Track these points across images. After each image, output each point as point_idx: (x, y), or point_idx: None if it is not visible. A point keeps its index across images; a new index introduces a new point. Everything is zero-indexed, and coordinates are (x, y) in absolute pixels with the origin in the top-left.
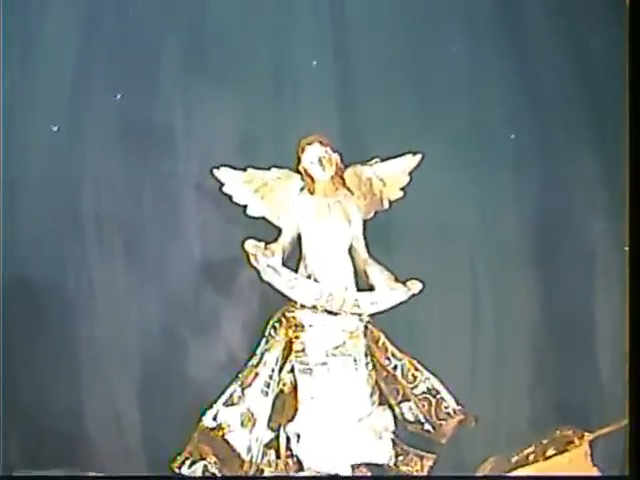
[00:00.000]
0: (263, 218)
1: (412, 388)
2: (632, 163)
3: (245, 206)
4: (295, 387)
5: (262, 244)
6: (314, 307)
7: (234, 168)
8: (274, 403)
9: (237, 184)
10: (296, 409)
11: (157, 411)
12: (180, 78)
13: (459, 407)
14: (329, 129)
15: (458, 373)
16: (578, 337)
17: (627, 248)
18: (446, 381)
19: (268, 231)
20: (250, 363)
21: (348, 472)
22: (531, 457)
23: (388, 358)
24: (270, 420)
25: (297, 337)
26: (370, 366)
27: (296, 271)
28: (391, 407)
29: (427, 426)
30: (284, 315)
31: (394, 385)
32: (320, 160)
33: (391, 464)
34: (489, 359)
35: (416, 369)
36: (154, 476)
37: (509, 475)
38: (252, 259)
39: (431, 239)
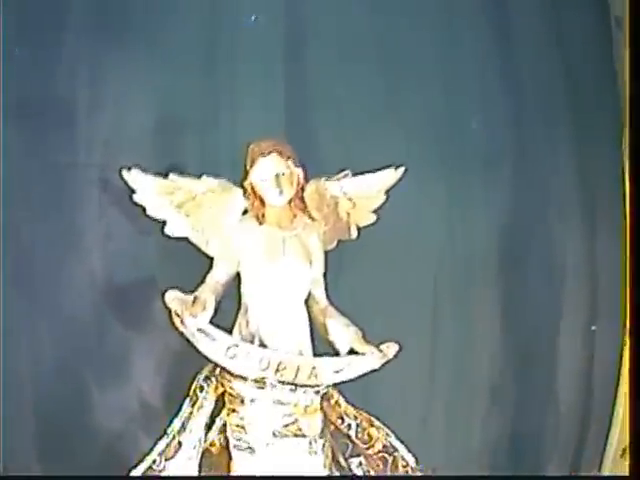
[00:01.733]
0: (186, 240)
1: (367, 448)
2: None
3: (163, 222)
4: (226, 448)
5: (189, 299)
6: (259, 381)
7: (150, 172)
8: (200, 462)
9: (154, 193)
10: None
11: (59, 467)
12: (85, 40)
13: (417, 465)
14: (276, 122)
15: (413, 415)
16: (539, 371)
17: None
18: (400, 420)
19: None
20: (171, 429)
21: None
22: None
23: (341, 417)
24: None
25: (234, 410)
26: (327, 445)
27: (232, 326)
28: (338, 462)
29: None
30: (214, 375)
31: (344, 440)
32: (277, 179)
33: None
34: (444, 398)
35: (372, 425)
36: (152, 476)
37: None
38: (176, 321)
39: (390, 264)
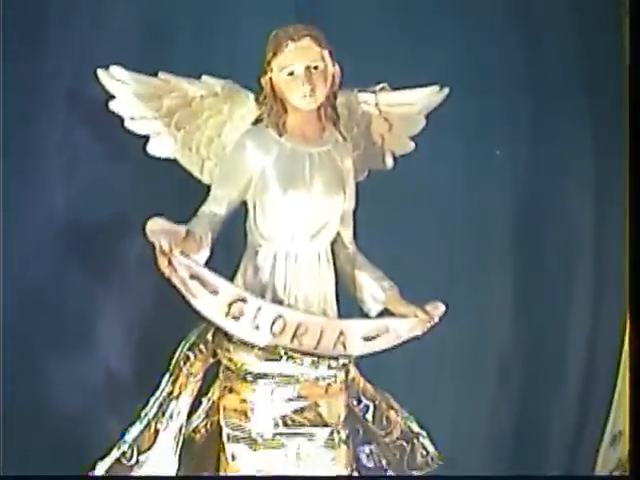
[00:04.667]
0: (174, 161)
1: (384, 435)
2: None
3: (146, 138)
4: (215, 437)
5: (180, 231)
6: (271, 350)
7: (134, 70)
8: (181, 455)
9: (137, 97)
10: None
11: (9, 454)
12: None
13: (438, 454)
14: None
15: (421, 394)
16: (549, 350)
17: None
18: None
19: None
20: (146, 413)
21: None
22: None
23: (359, 398)
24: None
25: (232, 390)
26: (350, 436)
27: (234, 274)
28: None
29: (390, 473)
30: (205, 341)
31: (356, 425)
32: (308, 73)
33: None
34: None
35: (391, 408)
36: (154, 476)
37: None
38: (161, 261)
39: (402, 218)
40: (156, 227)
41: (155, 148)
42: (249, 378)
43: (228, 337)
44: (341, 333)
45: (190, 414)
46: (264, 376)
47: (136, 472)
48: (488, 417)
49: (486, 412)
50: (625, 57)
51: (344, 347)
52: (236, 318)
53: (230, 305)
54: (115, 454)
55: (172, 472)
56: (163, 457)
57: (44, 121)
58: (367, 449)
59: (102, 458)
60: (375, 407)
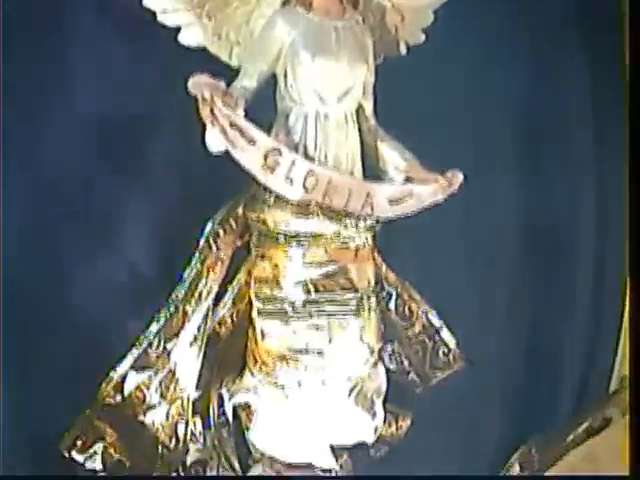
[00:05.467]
0: (204, 50)
1: (406, 327)
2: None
3: (177, 29)
4: (240, 331)
5: (221, 84)
6: (303, 206)
7: None
8: (205, 351)
9: None
10: (243, 365)
11: (24, 358)
12: None
13: (458, 350)
14: None
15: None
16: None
17: None
18: None
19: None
20: (175, 296)
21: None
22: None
23: (382, 285)
24: (199, 378)
25: (263, 256)
26: (378, 308)
27: None
28: None
29: (412, 376)
30: (235, 215)
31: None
32: None
33: None
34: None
35: (412, 298)
36: (158, 476)
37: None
38: (203, 110)
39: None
40: (199, 80)
41: (186, 38)
42: (281, 239)
43: (261, 201)
44: (368, 194)
45: (216, 304)
46: (296, 236)
47: (161, 362)
48: (500, 332)
49: (499, 326)
50: None
51: (372, 208)
52: (271, 170)
53: (266, 156)
54: (140, 346)
55: (195, 370)
56: (188, 350)
57: (73, 25)
58: (389, 348)
59: (124, 356)
60: (398, 295)
